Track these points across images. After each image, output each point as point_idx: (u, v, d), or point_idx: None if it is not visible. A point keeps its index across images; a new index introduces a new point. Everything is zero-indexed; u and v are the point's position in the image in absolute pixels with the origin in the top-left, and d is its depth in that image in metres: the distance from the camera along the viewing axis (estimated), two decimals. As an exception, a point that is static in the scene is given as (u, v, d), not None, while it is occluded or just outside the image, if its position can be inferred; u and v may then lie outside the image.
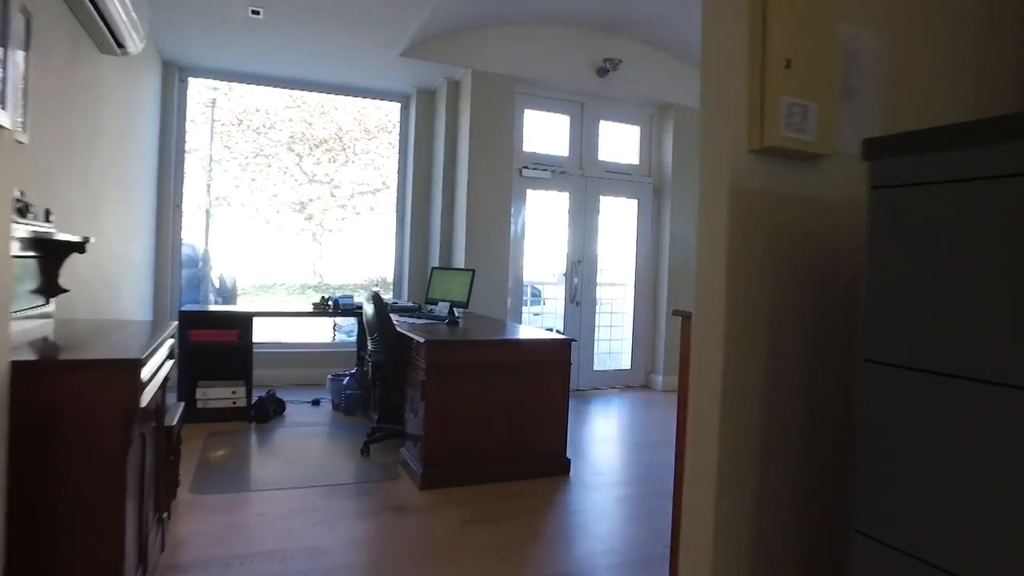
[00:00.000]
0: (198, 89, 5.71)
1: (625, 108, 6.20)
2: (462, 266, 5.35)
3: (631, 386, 6.34)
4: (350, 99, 6.17)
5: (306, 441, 4.00)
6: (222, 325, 4.40)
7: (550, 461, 3.55)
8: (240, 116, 6.94)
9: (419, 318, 4.28)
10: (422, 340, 3.27)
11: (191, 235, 5.87)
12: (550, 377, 3.54)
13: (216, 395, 4.28)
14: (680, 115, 6.15)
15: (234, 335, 4.40)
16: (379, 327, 3.74)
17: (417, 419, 3.37)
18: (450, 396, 3.28)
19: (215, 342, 4.33)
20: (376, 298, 3.74)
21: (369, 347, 3.93)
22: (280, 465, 3.52)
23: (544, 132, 5.95)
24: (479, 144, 5.33)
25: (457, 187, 5.55)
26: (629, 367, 6.39)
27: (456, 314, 4.33)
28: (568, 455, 3.63)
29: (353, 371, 4.94)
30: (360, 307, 4.65)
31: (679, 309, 1.74)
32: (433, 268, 4.71)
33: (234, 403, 4.33)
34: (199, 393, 4.23)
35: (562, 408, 3.57)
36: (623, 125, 6.28)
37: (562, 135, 6.01)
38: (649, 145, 6.38)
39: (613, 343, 6.38)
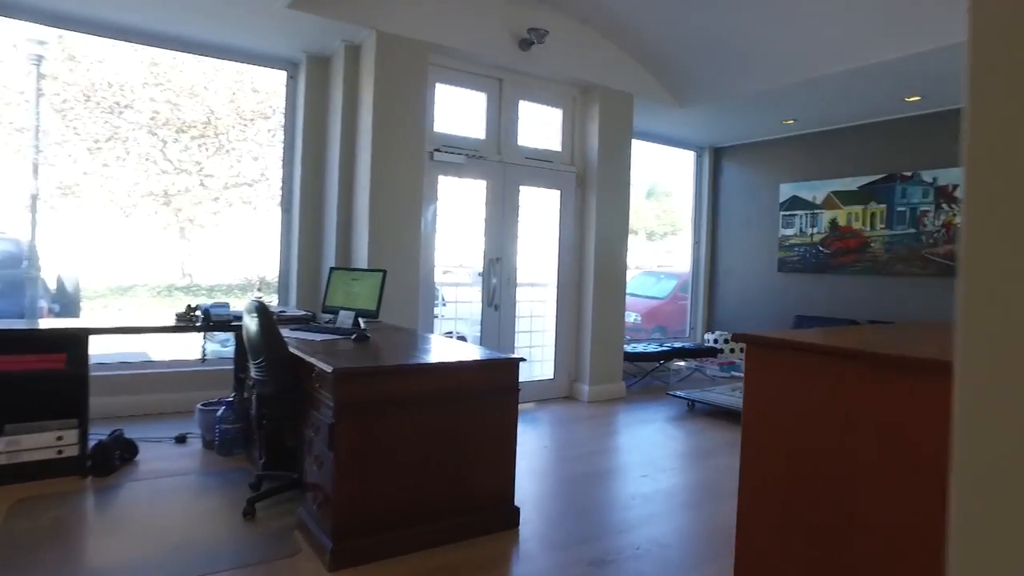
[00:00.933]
0: (11, 37, 4.40)
1: (547, 88, 5.56)
2: (365, 265, 4.48)
3: (553, 397, 5.74)
4: (223, 79, 5.08)
5: (167, 501, 3.00)
6: (42, 347, 3.26)
7: (496, 513, 2.81)
8: (88, 92, 5.65)
9: (316, 332, 3.39)
10: (328, 368, 2.42)
11: (13, 228, 4.58)
12: (494, 407, 2.80)
13: (32, 443, 3.15)
14: (606, 98, 5.60)
15: (61, 359, 3.29)
16: (266, 349, 2.82)
17: (323, 472, 2.52)
18: (367, 442, 2.46)
19: (30, 370, 3.20)
20: (261, 310, 2.82)
21: (252, 373, 3.00)
22: (126, 545, 2.53)
23: (458, 111, 5.17)
24: (385, 121, 4.47)
25: (358, 172, 4.66)
26: (552, 376, 5.78)
27: (362, 326, 3.50)
28: (515, 501, 2.92)
29: (230, 398, 3.93)
30: (239, 319, 3.68)
31: (861, 349, 1.07)
32: (332, 268, 3.82)
33: (60, 452, 3.22)
34: (3, 444, 3.08)
35: (509, 445, 2.85)
36: (544, 107, 5.64)
37: (478, 115, 5.27)
38: (572, 130, 5.78)
39: (534, 350, 5.75)
